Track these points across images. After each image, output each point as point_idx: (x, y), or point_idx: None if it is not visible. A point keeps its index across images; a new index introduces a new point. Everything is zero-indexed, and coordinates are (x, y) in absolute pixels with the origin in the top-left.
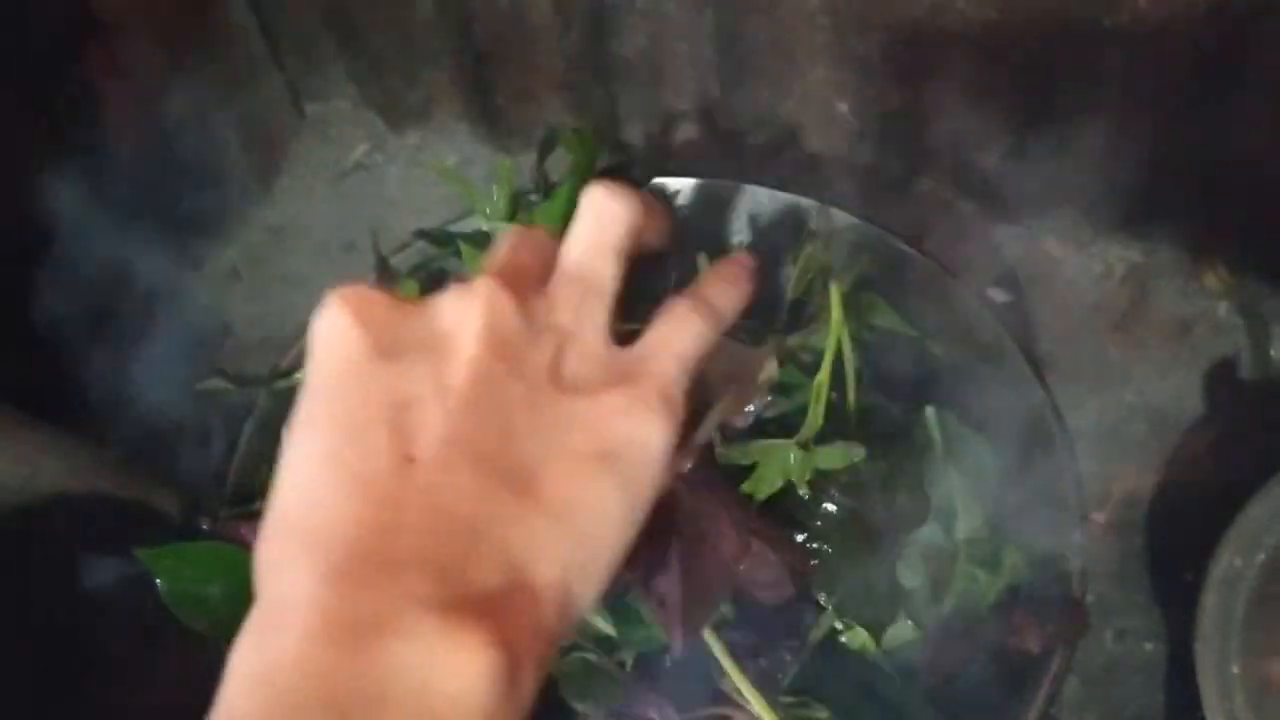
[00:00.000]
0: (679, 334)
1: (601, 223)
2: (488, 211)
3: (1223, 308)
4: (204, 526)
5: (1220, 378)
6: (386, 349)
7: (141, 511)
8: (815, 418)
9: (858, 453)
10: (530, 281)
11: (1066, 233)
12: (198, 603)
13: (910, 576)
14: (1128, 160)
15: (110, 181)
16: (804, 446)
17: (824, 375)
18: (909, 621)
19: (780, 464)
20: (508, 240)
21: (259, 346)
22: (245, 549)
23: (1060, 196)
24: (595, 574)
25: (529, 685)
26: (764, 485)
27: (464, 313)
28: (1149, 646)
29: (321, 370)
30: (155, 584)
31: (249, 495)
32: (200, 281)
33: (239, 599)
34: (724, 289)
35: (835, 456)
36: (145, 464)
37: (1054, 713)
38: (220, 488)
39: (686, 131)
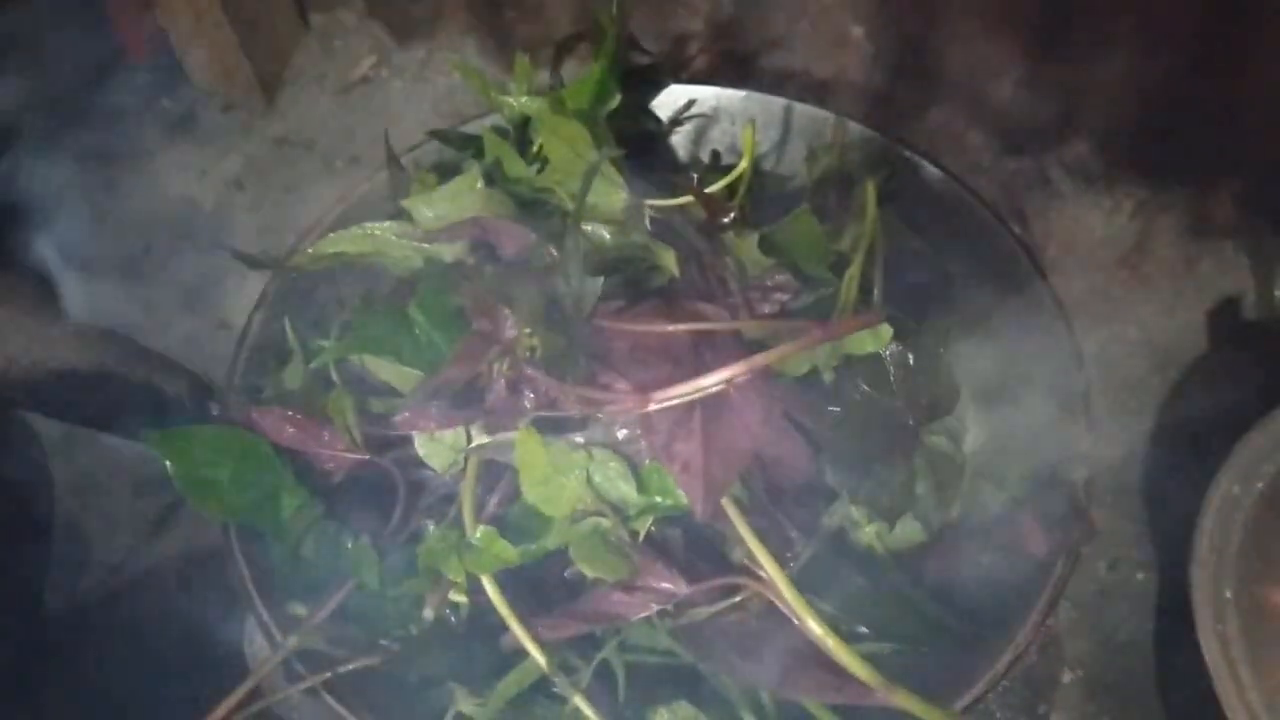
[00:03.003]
0: None
1: None
2: (512, 102)
3: (1229, 245)
4: (213, 411)
5: (1224, 314)
6: None
7: (150, 394)
8: (846, 306)
9: (886, 334)
10: None
11: (1076, 167)
12: (207, 486)
13: (918, 484)
14: (1140, 96)
15: (114, 88)
16: None
17: (855, 268)
18: (918, 523)
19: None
20: None
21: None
22: (254, 434)
23: (1071, 130)
24: None
25: None
26: (791, 366)
27: None
28: (1141, 576)
29: None
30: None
31: (258, 381)
32: (203, 192)
33: (249, 483)
34: None
35: (864, 341)
36: (154, 349)
37: (1050, 624)
38: (229, 374)
39: (698, 52)
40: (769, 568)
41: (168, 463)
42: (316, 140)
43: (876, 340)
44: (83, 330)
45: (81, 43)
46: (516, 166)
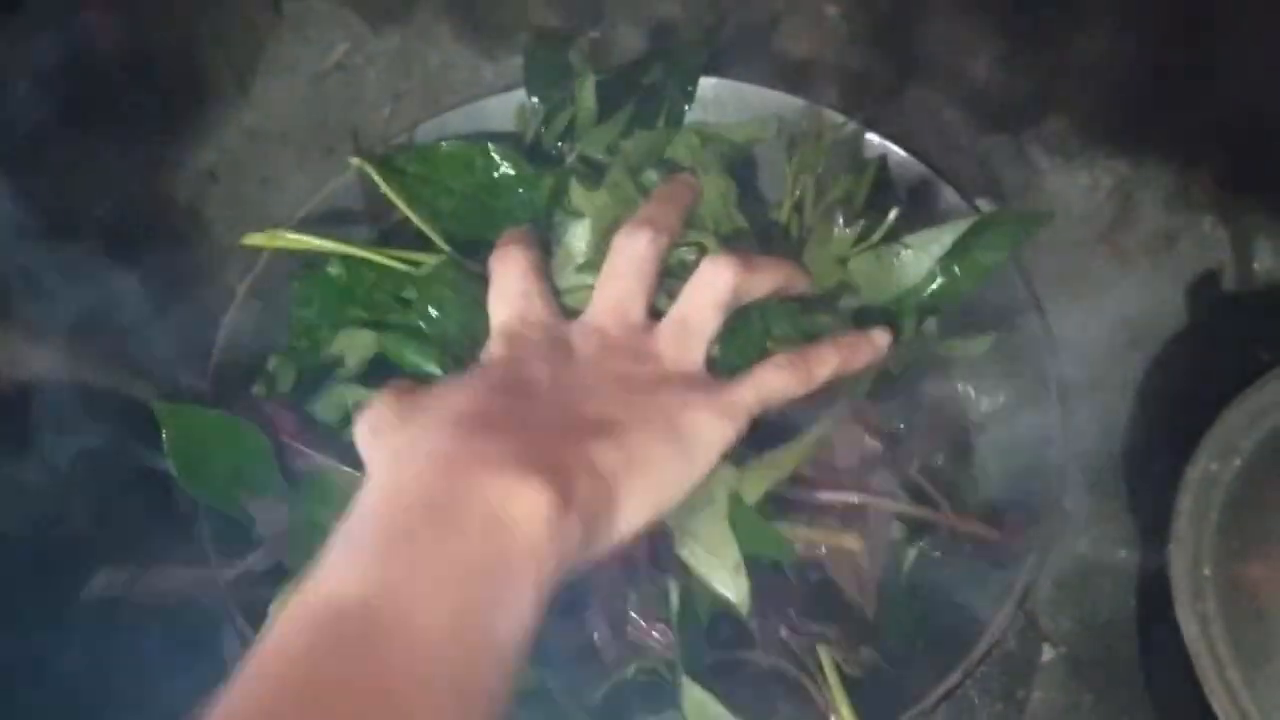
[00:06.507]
0: (770, 379)
1: (714, 285)
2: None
3: (1207, 221)
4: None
5: (1203, 290)
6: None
7: (117, 400)
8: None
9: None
10: (667, 231)
11: (1054, 143)
12: (200, 468)
13: None
14: (1118, 71)
15: (86, 81)
16: None
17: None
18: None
19: None
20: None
21: (236, 250)
22: (256, 427)
23: (1049, 106)
24: (643, 510)
25: (568, 544)
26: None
27: (584, 339)
28: (1123, 553)
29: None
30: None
31: (235, 377)
32: (176, 184)
33: (239, 474)
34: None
35: None
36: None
37: (1029, 608)
38: (200, 374)
39: (672, 32)
40: None
41: (164, 433)
42: (291, 130)
43: None
44: (45, 340)
45: (48, 34)
46: None
